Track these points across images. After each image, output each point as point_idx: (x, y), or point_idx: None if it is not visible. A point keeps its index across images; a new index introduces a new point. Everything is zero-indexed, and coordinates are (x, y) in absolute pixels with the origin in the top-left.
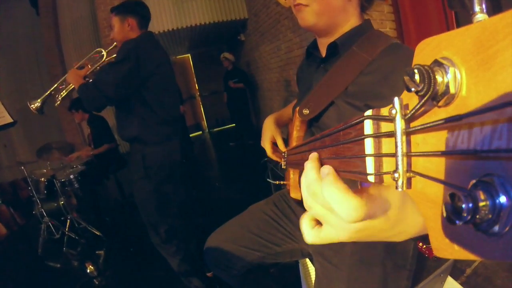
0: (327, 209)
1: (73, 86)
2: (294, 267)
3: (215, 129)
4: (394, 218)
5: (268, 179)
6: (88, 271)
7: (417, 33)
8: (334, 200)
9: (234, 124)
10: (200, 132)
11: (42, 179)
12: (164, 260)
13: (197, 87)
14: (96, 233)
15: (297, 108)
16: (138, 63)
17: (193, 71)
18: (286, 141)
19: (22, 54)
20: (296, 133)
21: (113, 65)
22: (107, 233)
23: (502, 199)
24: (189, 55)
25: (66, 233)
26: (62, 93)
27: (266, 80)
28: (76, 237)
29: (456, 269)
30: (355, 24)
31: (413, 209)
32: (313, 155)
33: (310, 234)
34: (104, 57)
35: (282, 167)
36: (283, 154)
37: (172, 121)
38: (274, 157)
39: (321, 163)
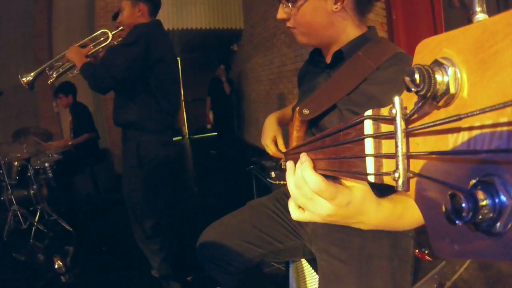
0: (308, 198)
1: (71, 64)
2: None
3: (195, 136)
4: (353, 209)
5: (268, 179)
6: (56, 266)
7: (407, 44)
8: (306, 175)
9: (216, 133)
10: (180, 138)
11: (16, 163)
12: (137, 262)
13: (182, 92)
14: (66, 227)
15: (297, 108)
16: (148, 47)
17: (180, 76)
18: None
19: (10, 34)
20: (296, 133)
21: (123, 47)
22: (78, 228)
23: (503, 198)
24: (178, 58)
25: (35, 224)
26: (58, 70)
27: (255, 91)
28: (45, 230)
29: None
30: (356, 31)
31: (372, 207)
32: (302, 155)
33: (295, 213)
34: (109, 40)
35: (283, 167)
36: (283, 154)
37: (171, 112)
38: (277, 155)
39: (319, 163)
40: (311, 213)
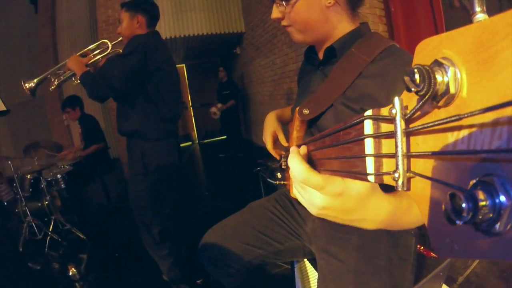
0: (301, 186)
1: (72, 73)
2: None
3: (204, 141)
4: (351, 202)
5: (268, 179)
6: (70, 273)
7: (407, 36)
8: (291, 164)
9: (225, 137)
10: (190, 143)
11: (28, 176)
12: (149, 267)
13: (189, 98)
14: (80, 236)
15: (297, 108)
16: (145, 58)
17: (186, 82)
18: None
19: (15, 50)
20: (296, 133)
21: (121, 57)
22: (91, 237)
23: (503, 198)
24: (183, 65)
25: (49, 234)
26: (60, 78)
27: (259, 93)
28: (59, 239)
29: (448, 277)
30: (349, 26)
31: (377, 202)
32: (293, 149)
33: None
34: (109, 50)
35: (282, 167)
36: (282, 155)
37: (173, 119)
38: (274, 153)
39: (319, 163)
40: (307, 203)
